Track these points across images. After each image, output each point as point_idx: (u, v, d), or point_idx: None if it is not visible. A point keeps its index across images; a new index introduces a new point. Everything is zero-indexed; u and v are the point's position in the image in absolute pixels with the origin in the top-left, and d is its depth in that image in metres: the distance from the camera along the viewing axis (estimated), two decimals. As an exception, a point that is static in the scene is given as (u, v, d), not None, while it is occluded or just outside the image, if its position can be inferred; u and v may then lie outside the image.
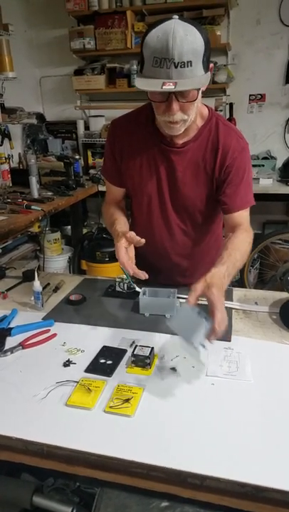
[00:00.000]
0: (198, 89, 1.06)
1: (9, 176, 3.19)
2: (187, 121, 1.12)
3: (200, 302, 0.97)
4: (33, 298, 1.32)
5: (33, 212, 2.49)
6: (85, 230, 3.74)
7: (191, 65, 0.97)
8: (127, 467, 0.78)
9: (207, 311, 0.95)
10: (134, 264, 1.16)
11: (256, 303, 1.33)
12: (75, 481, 0.96)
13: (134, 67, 3.50)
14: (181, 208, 1.32)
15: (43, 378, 0.99)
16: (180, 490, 0.78)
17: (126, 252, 1.15)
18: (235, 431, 0.83)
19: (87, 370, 1.02)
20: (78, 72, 3.73)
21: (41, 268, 3.19)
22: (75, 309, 1.31)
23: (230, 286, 1.37)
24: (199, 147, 1.24)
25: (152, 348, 1.04)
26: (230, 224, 1.29)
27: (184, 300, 1.26)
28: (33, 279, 1.29)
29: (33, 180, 2.80)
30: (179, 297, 1.27)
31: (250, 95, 3.63)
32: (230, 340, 1.13)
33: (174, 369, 1.01)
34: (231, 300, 1.34)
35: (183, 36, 0.95)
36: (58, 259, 3.47)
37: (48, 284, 1.48)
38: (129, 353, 1.07)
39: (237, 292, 1.41)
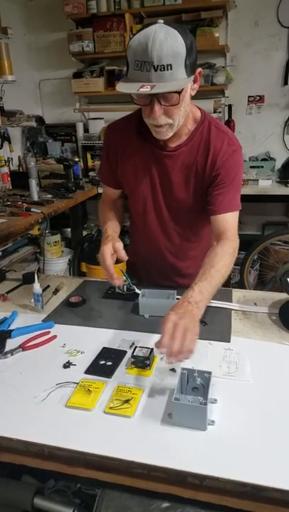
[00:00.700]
0: (180, 93, 1.03)
1: (9, 178, 3.21)
2: (174, 125, 1.11)
3: None
4: (33, 300, 1.33)
5: (32, 215, 2.49)
6: (84, 232, 3.75)
7: (171, 69, 0.97)
8: (128, 467, 0.78)
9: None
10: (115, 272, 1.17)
11: (255, 304, 1.33)
12: (76, 483, 0.96)
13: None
14: (175, 210, 1.33)
15: (43, 380, 0.99)
16: (180, 490, 0.78)
17: (111, 256, 1.17)
18: (235, 431, 0.83)
19: (87, 371, 1.02)
20: (77, 75, 3.75)
21: (41, 270, 3.19)
22: (75, 311, 1.31)
23: (230, 288, 1.37)
24: (191, 150, 1.23)
25: (152, 349, 1.04)
26: (216, 229, 1.24)
27: None
28: (33, 281, 1.30)
29: (33, 182, 2.81)
30: (178, 298, 1.27)
31: (248, 97, 3.64)
32: (229, 341, 1.13)
33: (173, 370, 1.01)
34: (231, 301, 1.34)
35: (163, 39, 0.95)
36: (57, 262, 3.47)
37: (48, 286, 1.48)
38: (128, 355, 1.07)
39: (236, 293, 1.41)
